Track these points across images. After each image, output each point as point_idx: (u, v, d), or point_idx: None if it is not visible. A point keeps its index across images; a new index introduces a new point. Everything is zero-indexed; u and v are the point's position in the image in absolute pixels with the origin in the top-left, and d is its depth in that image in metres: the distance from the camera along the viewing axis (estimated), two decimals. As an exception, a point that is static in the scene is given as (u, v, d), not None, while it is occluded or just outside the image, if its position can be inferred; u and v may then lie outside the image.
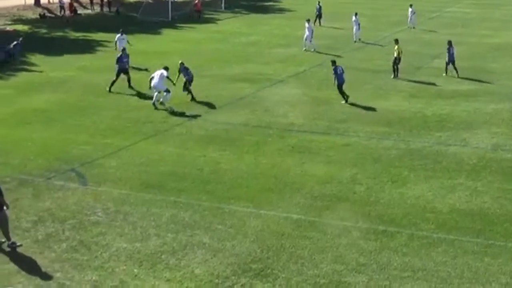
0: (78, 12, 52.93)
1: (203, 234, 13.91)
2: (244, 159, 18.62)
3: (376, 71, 30.85)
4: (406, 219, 14.76)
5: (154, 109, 23.56)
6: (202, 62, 32.89)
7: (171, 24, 47.63)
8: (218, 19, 51.41)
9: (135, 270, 12.46)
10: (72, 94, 25.95)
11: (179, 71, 25.36)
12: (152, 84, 23.71)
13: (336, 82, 24.78)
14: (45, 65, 32.08)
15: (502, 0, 65.62)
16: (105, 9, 55.23)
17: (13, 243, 13.22)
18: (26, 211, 14.91)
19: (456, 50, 29.85)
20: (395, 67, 29.25)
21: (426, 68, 31.39)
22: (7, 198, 13.41)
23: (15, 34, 39.46)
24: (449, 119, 22.87)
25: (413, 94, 26.53)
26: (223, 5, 57.75)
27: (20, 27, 45.71)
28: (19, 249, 13.17)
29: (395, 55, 29.13)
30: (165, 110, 23.51)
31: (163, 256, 12.99)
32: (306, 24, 36.64)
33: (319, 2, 48.91)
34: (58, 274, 12.28)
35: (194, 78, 25.27)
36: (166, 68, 24.04)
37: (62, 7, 51.71)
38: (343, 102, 24.63)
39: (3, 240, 13.28)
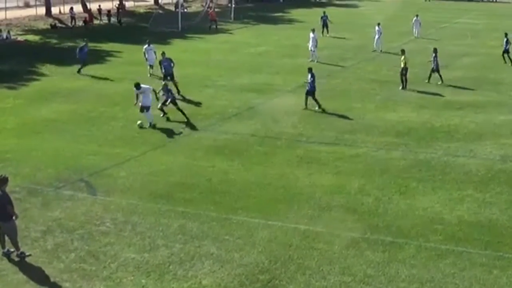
0: (88, 22, 53.41)
1: (211, 245, 13.93)
2: (253, 169, 18.66)
3: (385, 81, 30.86)
4: (414, 230, 14.73)
5: (164, 120, 23.61)
6: (211, 72, 33.04)
7: (181, 34, 47.86)
8: (228, 30, 51.62)
9: (143, 281, 12.49)
10: (82, 104, 26.10)
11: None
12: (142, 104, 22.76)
13: (308, 88, 25.06)
14: (55, 75, 32.31)
15: (510, 10, 65.49)
16: (112, 19, 55.38)
17: (22, 253, 13.29)
18: (35, 221, 15.00)
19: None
20: (403, 78, 29.26)
21: (435, 79, 31.34)
22: (17, 208, 13.49)
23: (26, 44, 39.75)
24: (458, 130, 22.84)
25: (422, 104, 26.52)
26: (232, 15, 57.99)
27: (31, 37, 46.12)
28: (28, 259, 13.24)
29: (402, 65, 29.17)
30: (168, 120, 23.48)
31: (170, 267, 13.02)
32: (311, 34, 36.62)
33: (324, 12, 49.01)
34: (66, 284, 12.33)
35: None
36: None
37: (73, 17, 52.23)
38: (317, 108, 24.84)
39: (12, 249, 13.36)
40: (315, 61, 35.99)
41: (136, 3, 68.63)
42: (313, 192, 16.94)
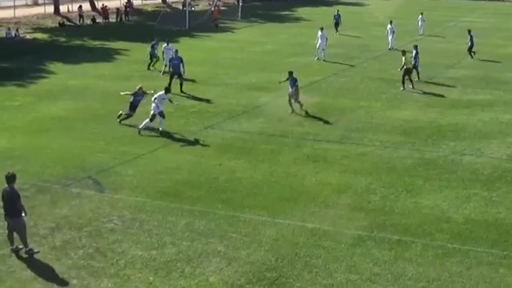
0: (97, 21, 53.58)
1: (218, 243, 14.00)
2: (260, 167, 18.71)
3: (392, 80, 30.80)
4: (421, 229, 14.75)
5: (172, 119, 23.65)
6: (218, 70, 33.12)
7: (188, 33, 47.94)
8: (235, 28, 51.67)
9: (150, 278, 12.57)
10: (90, 102, 26.23)
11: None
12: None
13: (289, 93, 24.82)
14: (64, 73, 32.45)
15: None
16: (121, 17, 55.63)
17: (31, 249, 13.38)
18: (44, 218, 15.10)
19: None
20: (404, 78, 28.85)
21: (441, 78, 31.31)
22: (25, 205, 13.58)
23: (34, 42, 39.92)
24: (464, 128, 22.82)
25: (428, 103, 26.50)
26: (239, 14, 58.04)
27: (39, 35, 46.30)
28: (36, 256, 13.33)
29: (404, 66, 29.01)
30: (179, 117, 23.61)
31: (178, 264, 13.09)
32: (320, 33, 36.62)
33: (338, 10, 49.04)
34: (74, 281, 12.42)
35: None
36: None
37: (81, 15, 52.45)
38: (291, 112, 24.60)
39: (20, 246, 13.46)
40: (321, 59, 36.00)
41: (144, 1, 68.77)
42: (320, 190, 16.98)
